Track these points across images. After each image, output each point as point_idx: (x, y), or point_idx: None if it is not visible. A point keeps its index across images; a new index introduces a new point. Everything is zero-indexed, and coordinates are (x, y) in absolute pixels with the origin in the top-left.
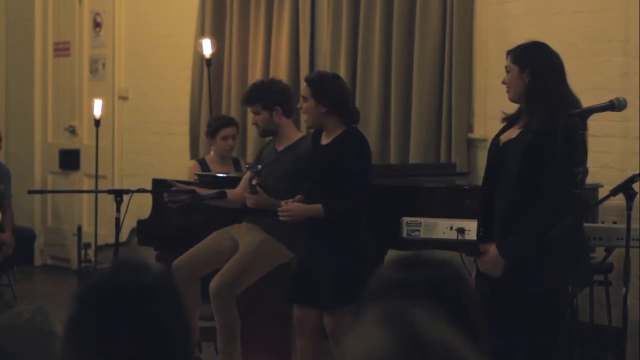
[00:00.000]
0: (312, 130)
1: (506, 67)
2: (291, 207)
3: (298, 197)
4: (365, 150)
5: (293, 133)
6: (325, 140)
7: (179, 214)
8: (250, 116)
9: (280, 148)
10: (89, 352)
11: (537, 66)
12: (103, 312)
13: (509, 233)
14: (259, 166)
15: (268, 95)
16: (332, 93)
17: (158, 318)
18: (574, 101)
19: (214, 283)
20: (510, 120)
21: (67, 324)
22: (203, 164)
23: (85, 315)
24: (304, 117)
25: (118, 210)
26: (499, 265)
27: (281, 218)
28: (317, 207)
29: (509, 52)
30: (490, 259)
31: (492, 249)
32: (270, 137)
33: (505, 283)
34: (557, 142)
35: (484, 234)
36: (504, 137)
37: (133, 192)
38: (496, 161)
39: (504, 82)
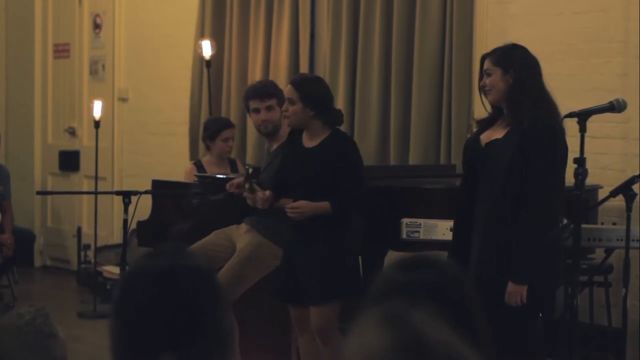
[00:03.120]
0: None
1: (486, 70)
2: (299, 204)
3: (269, 192)
4: (357, 149)
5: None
6: (310, 143)
7: (182, 214)
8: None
9: (275, 147)
10: (131, 327)
11: (520, 67)
12: (146, 292)
13: (492, 230)
14: (250, 169)
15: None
16: (318, 96)
17: (197, 300)
18: (553, 102)
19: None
20: (484, 123)
21: (113, 303)
22: (199, 166)
23: (129, 295)
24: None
25: (126, 211)
26: (523, 292)
27: (291, 216)
28: (325, 205)
29: (487, 56)
30: (513, 291)
31: (510, 286)
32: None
33: (487, 283)
34: (550, 146)
35: (459, 236)
36: (485, 137)
37: (141, 193)
38: (479, 161)
39: (484, 86)
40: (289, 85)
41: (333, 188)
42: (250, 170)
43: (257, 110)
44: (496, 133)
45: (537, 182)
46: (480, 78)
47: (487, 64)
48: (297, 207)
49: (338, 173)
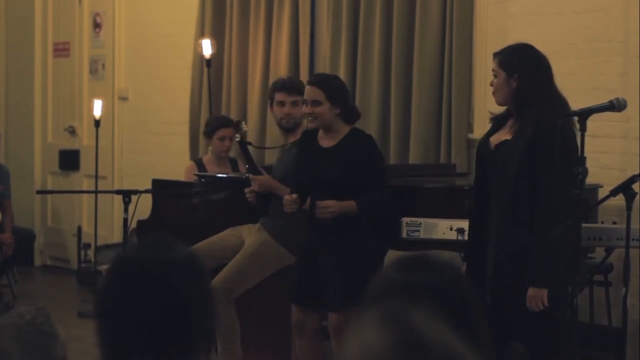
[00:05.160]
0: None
1: (493, 70)
2: (329, 203)
3: (295, 194)
4: (379, 148)
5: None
6: (328, 142)
7: (185, 212)
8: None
9: (290, 141)
10: (114, 322)
11: (524, 72)
12: (128, 283)
13: (506, 233)
14: (242, 123)
15: None
16: (343, 94)
17: (180, 291)
18: (563, 103)
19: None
20: (498, 121)
21: (97, 293)
22: (200, 164)
23: (110, 289)
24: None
25: (126, 210)
26: (544, 296)
27: (321, 217)
28: (352, 204)
29: (495, 55)
30: (534, 296)
31: (531, 291)
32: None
33: (504, 286)
34: (554, 146)
35: (473, 238)
36: (494, 139)
37: (141, 192)
38: (488, 163)
39: (491, 85)
40: (311, 87)
41: (357, 188)
42: (244, 127)
43: (282, 104)
44: (504, 135)
45: (544, 185)
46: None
47: (493, 64)
48: (327, 205)
49: (363, 174)
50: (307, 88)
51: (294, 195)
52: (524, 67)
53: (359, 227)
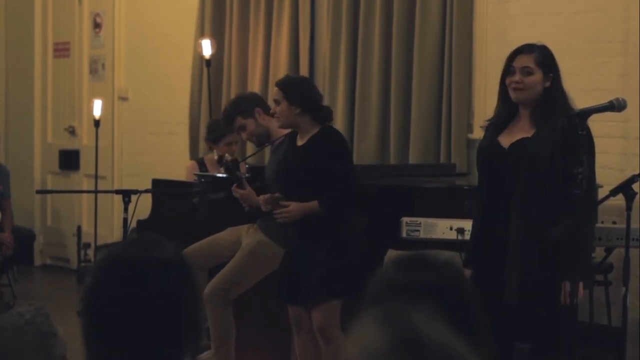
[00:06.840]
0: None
1: (525, 67)
2: (288, 208)
3: (277, 194)
4: (346, 145)
5: (281, 131)
6: (300, 141)
7: (185, 212)
8: None
9: (273, 148)
10: (101, 321)
11: (557, 72)
12: (115, 283)
13: (534, 230)
14: (224, 155)
15: (242, 105)
16: (303, 93)
17: (167, 291)
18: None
19: (207, 287)
20: (497, 125)
21: (82, 294)
22: (202, 164)
23: (97, 287)
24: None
25: (126, 210)
26: (576, 289)
27: (280, 220)
28: (314, 205)
29: (524, 52)
30: (570, 291)
31: (568, 286)
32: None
33: (533, 284)
34: (584, 145)
35: (480, 244)
36: (504, 139)
37: (141, 192)
38: (502, 163)
39: (521, 82)
40: (275, 87)
41: (323, 186)
42: (229, 158)
43: (238, 132)
44: (517, 134)
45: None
46: (506, 72)
47: (527, 61)
48: (286, 210)
49: (326, 170)
50: (274, 89)
51: (267, 196)
52: (556, 67)
53: (339, 224)
